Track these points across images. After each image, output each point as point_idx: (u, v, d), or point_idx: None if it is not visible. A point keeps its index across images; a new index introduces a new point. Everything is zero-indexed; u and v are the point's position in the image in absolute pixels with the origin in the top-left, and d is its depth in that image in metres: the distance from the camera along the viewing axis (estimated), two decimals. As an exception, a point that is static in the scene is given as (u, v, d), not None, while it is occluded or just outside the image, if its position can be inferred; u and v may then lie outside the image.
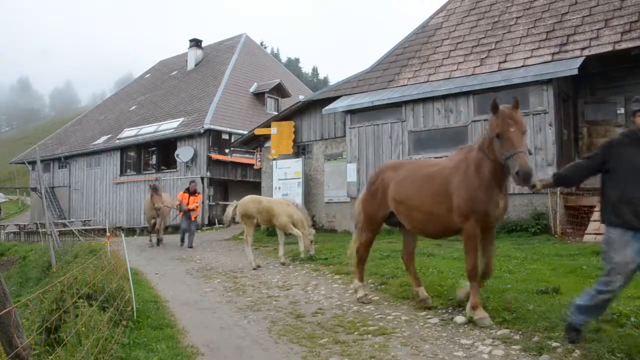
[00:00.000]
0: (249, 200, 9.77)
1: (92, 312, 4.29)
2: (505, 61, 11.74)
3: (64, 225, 20.63)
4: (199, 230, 18.17)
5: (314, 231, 10.03)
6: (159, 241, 14.36)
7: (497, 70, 11.59)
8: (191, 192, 13.99)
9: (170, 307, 6.37)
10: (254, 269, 9.12)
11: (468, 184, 4.70)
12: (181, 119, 23.40)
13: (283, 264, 9.46)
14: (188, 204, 13.75)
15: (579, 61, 10.25)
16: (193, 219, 14.01)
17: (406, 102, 12.56)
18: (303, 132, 15.88)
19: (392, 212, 5.54)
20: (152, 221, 14.24)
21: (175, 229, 19.70)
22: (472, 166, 4.73)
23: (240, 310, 6.06)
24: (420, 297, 5.54)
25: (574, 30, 11.30)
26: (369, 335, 4.68)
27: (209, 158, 21.51)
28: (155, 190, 14.03)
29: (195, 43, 30.75)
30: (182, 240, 14.01)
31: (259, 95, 26.39)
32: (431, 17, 14.88)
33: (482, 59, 12.23)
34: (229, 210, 10.26)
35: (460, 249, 8.95)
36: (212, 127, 21.44)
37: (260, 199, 9.87)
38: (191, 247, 13.49)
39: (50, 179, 29.05)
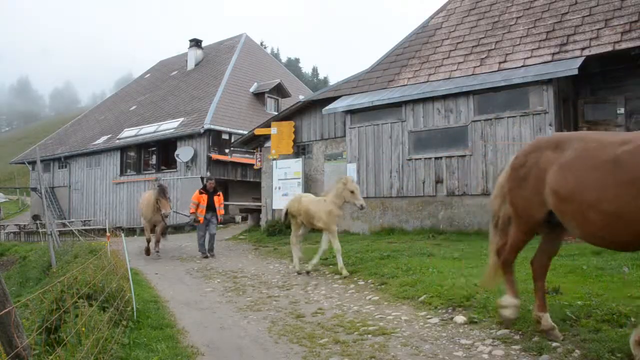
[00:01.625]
0: (293, 199, 8.95)
1: (92, 312, 4.29)
2: (505, 61, 11.74)
3: (64, 225, 20.62)
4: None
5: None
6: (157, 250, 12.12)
7: (497, 70, 11.59)
8: (210, 191, 11.87)
9: (170, 307, 6.38)
10: (298, 273, 8.37)
11: None
12: (181, 119, 23.41)
13: (307, 273, 8.31)
14: (208, 205, 11.65)
15: (579, 61, 10.25)
16: (219, 221, 12.37)
17: (406, 102, 12.56)
18: (303, 132, 15.88)
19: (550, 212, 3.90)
20: (152, 226, 12.04)
21: (175, 228, 19.73)
22: None
23: (240, 310, 6.06)
24: (542, 326, 4.11)
25: (574, 30, 11.30)
26: (369, 335, 4.68)
27: (209, 158, 21.52)
28: (162, 192, 11.52)
29: (195, 43, 30.76)
30: (204, 249, 11.58)
31: (259, 95, 26.40)
32: (431, 17, 14.87)
33: (482, 59, 12.23)
34: (285, 206, 9.32)
35: (461, 248, 8.99)
36: (212, 127, 21.45)
37: (300, 198, 8.75)
38: (212, 254, 11.59)
39: (50, 179, 29.06)
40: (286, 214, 8.92)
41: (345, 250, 9.42)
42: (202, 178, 21.35)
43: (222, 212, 12.13)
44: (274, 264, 9.85)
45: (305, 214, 8.38)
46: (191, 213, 11.76)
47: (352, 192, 7.89)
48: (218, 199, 11.86)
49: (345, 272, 7.69)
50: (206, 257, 11.30)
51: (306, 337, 4.72)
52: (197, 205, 11.62)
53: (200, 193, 11.69)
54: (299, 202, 8.56)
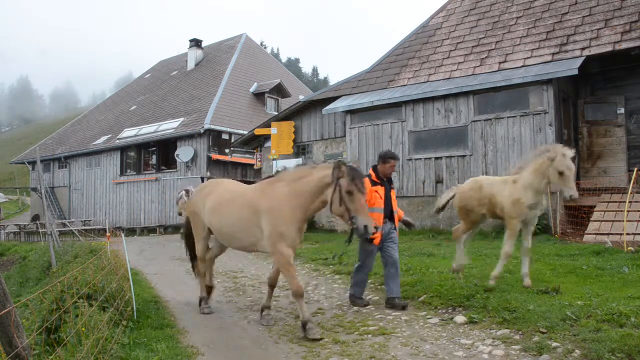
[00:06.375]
0: (470, 186, 6.26)
1: (92, 312, 4.29)
2: (505, 61, 11.74)
3: (64, 225, 20.63)
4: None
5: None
6: None
7: (497, 70, 11.59)
8: (384, 180, 6.18)
9: (170, 307, 6.37)
10: (454, 270, 6.47)
11: None
12: (181, 119, 23.41)
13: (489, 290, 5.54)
14: (385, 206, 6.07)
15: (579, 61, 10.26)
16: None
17: (406, 102, 12.56)
18: (303, 132, 15.89)
19: None
20: None
21: (176, 228, 19.71)
22: None
23: (240, 310, 6.06)
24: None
25: (574, 30, 11.30)
26: (369, 335, 4.68)
27: (209, 158, 21.52)
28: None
29: (195, 43, 30.76)
30: (362, 290, 6.28)
31: (259, 95, 26.40)
32: (431, 17, 14.88)
33: (482, 59, 12.23)
34: (444, 197, 6.67)
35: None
36: (212, 127, 21.44)
37: (479, 184, 6.12)
38: (400, 302, 6.38)
39: (50, 179, 29.05)
40: (444, 206, 6.61)
41: (345, 251, 9.42)
42: (201, 178, 21.37)
43: (402, 213, 6.34)
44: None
45: (490, 203, 5.92)
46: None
47: (560, 173, 5.20)
48: (394, 194, 6.19)
49: (527, 281, 5.57)
50: (367, 304, 5.94)
51: (306, 337, 4.72)
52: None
53: (373, 184, 5.77)
54: (480, 190, 6.03)
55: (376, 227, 4.98)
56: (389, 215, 5.87)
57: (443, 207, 6.63)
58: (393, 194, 6.05)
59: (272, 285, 5.44)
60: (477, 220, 6.30)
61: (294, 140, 15.92)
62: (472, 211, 6.16)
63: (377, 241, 5.63)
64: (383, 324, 5.02)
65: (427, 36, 14.19)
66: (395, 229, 6.03)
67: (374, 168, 5.88)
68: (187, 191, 12.78)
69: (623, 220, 8.30)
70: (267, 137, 16.74)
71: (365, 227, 4.56)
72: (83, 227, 21.14)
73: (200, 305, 6.02)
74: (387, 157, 5.86)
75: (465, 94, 11.63)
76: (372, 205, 5.52)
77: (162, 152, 24.17)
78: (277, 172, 5.36)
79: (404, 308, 5.55)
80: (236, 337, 4.93)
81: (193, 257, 6.40)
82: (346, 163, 4.77)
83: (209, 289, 6.15)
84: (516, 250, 8.12)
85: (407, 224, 6.26)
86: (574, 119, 11.87)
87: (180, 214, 13.72)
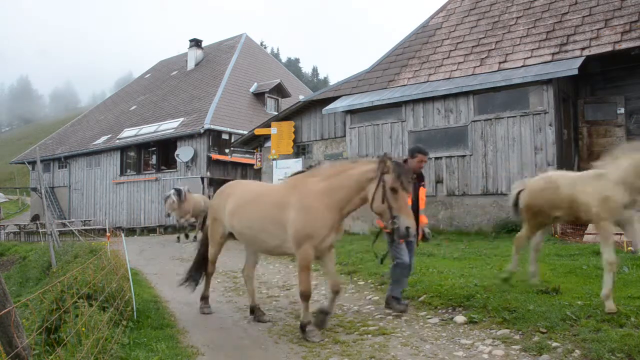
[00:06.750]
0: (541, 183, 5.37)
1: (92, 312, 4.29)
2: (505, 61, 11.74)
3: (64, 225, 20.62)
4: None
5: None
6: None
7: (497, 70, 11.59)
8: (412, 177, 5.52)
9: (170, 307, 6.38)
10: (503, 279, 5.67)
11: None
12: (181, 119, 23.41)
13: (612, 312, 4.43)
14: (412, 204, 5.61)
15: (579, 61, 10.25)
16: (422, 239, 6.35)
17: (406, 102, 12.56)
18: (303, 132, 15.89)
19: None
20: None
21: (176, 229, 19.68)
22: None
23: (240, 310, 6.06)
24: None
25: (574, 30, 11.30)
26: (369, 335, 4.68)
27: (209, 158, 21.52)
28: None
29: (195, 43, 30.76)
30: (400, 292, 5.71)
31: (259, 95, 26.40)
32: (431, 17, 14.88)
33: (482, 59, 12.23)
34: (513, 192, 5.82)
35: (461, 248, 8.98)
36: (212, 127, 21.45)
37: (555, 182, 5.19)
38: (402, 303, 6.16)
39: (50, 179, 29.06)
40: (515, 202, 5.71)
41: (345, 250, 9.43)
42: (201, 178, 21.38)
43: (426, 219, 5.79)
44: (275, 263, 9.85)
45: (568, 205, 5.00)
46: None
47: None
48: (423, 192, 5.73)
49: (611, 307, 4.41)
50: (404, 310, 5.46)
51: (305, 339, 4.72)
52: None
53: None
54: (556, 188, 5.10)
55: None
56: (414, 214, 5.16)
57: (516, 204, 5.70)
58: (422, 192, 5.58)
59: (335, 291, 4.82)
60: (545, 223, 5.54)
61: (294, 140, 15.92)
62: (542, 213, 5.30)
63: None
64: (383, 324, 5.02)
65: (427, 36, 14.19)
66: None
67: (405, 161, 5.30)
68: (177, 190, 12.62)
69: (623, 220, 8.28)
70: (267, 137, 16.74)
71: (407, 228, 4.31)
72: (83, 227, 21.14)
73: (201, 304, 5.96)
74: (414, 152, 5.44)
75: (465, 94, 11.63)
76: None
77: (162, 152, 24.18)
78: (310, 166, 5.03)
79: (400, 311, 5.31)
80: (236, 337, 4.93)
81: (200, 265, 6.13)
82: (392, 158, 4.47)
83: (253, 309, 5.60)
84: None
85: (422, 234, 5.62)
86: (574, 119, 11.87)
87: (169, 215, 13.77)
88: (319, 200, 4.59)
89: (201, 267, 6.09)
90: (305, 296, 4.70)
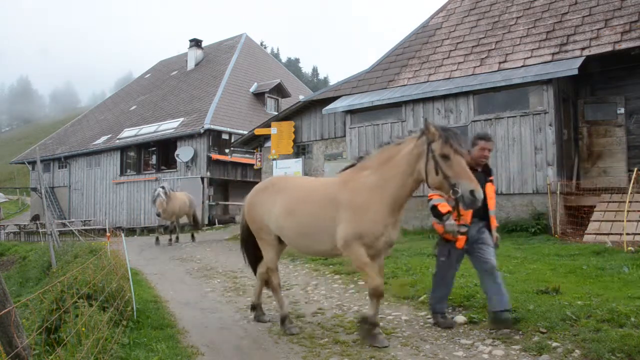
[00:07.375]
0: None
1: (92, 312, 4.29)
2: (505, 61, 11.74)
3: (64, 225, 20.62)
4: (200, 231, 17.95)
5: None
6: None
7: (497, 70, 11.59)
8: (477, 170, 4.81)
9: (170, 307, 6.37)
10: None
11: None
12: (181, 119, 23.42)
13: None
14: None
15: (579, 61, 10.25)
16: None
17: (406, 102, 12.56)
18: (303, 132, 15.89)
19: None
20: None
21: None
22: None
23: (240, 310, 6.06)
24: None
25: (574, 30, 11.30)
26: (369, 335, 4.67)
27: (209, 158, 21.53)
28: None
29: (195, 43, 30.77)
30: (444, 306, 5.07)
31: (259, 95, 26.41)
32: (431, 17, 14.88)
33: (482, 59, 12.23)
34: None
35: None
36: (212, 127, 21.46)
37: None
38: (506, 317, 4.87)
39: (50, 179, 29.06)
40: None
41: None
42: (201, 178, 21.37)
43: (496, 222, 4.97)
44: (274, 264, 9.84)
45: None
46: (444, 213, 4.54)
47: None
48: (491, 189, 4.82)
49: None
50: (450, 327, 4.73)
51: (306, 337, 4.72)
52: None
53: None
54: None
55: (465, 226, 4.35)
56: (481, 213, 4.53)
57: None
58: (491, 189, 4.69)
59: (377, 295, 4.32)
60: None
61: (294, 140, 15.92)
62: None
63: (460, 244, 4.59)
64: (383, 324, 5.01)
65: (427, 36, 14.19)
66: (485, 229, 4.65)
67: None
68: (163, 188, 12.41)
69: (623, 220, 8.30)
70: (267, 137, 16.74)
71: (472, 192, 3.74)
72: (83, 227, 21.14)
73: (283, 323, 4.99)
74: (475, 139, 4.68)
75: (465, 94, 11.63)
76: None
77: (162, 152, 24.19)
78: (360, 158, 4.47)
79: (509, 327, 4.31)
80: (236, 337, 4.93)
81: (252, 261, 5.75)
82: (434, 123, 3.97)
83: (254, 307, 5.37)
84: (515, 251, 8.11)
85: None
86: (574, 119, 11.87)
87: (159, 215, 13.57)
88: (373, 198, 4.17)
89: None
90: (375, 294, 4.26)
